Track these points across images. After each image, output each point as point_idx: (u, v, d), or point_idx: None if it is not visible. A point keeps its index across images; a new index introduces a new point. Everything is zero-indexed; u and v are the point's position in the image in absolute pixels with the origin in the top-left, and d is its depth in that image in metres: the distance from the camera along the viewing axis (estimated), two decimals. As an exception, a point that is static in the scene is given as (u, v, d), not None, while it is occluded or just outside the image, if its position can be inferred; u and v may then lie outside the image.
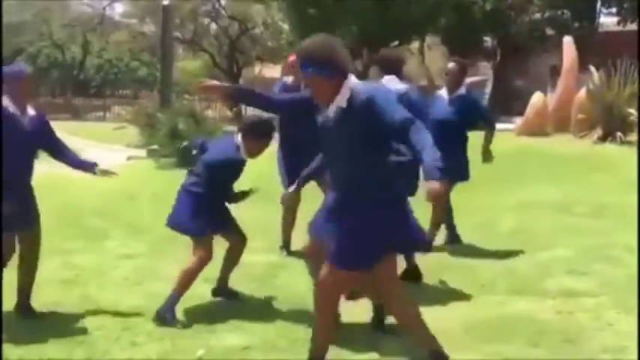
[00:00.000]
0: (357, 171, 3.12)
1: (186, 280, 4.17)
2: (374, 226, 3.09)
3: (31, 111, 4.11)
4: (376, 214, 3.09)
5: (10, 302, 4.06)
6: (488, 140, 5.67)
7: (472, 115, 5.59)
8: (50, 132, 4.26)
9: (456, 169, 5.52)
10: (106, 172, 4.30)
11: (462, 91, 5.59)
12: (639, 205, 6.26)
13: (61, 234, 5.52)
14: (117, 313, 4.23)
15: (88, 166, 4.32)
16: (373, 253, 3.13)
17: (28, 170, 4.15)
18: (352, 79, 3.13)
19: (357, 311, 4.06)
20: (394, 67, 4.74)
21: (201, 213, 4.20)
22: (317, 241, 3.37)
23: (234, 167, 4.32)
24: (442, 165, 5.26)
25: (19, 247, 4.15)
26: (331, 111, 3.13)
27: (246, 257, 4.55)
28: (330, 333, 3.30)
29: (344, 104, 3.08)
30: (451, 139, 5.33)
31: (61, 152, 4.30)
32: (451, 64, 5.68)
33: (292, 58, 5.31)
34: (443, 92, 5.66)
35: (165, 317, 4.05)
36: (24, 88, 4.04)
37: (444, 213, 5.79)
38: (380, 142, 3.09)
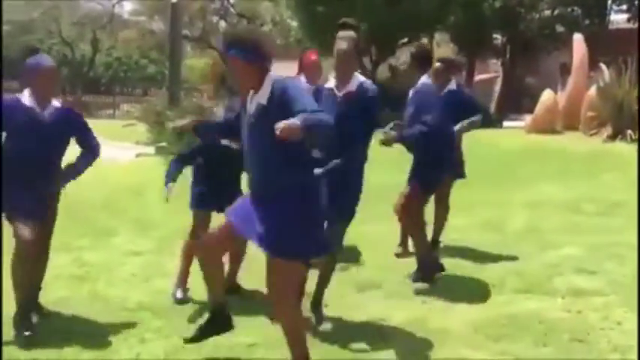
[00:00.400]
0: (276, 169, 3.04)
1: (187, 251, 4.49)
2: (299, 218, 3.04)
3: (55, 104, 4.02)
4: (297, 208, 3.03)
5: (11, 302, 4.06)
6: (469, 127, 5.43)
7: (463, 110, 5.36)
8: (77, 128, 4.11)
9: (450, 167, 5.45)
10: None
11: (452, 86, 5.50)
12: (639, 205, 6.22)
13: (70, 231, 5.54)
14: (125, 310, 4.24)
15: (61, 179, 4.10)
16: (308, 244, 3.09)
17: (51, 164, 4.02)
18: (273, 74, 3.10)
19: (356, 311, 4.05)
20: (428, 66, 4.82)
21: (193, 188, 4.53)
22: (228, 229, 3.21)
23: (225, 152, 4.38)
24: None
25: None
26: (252, 107, 3.10)
27: (250, 252, 4.54)
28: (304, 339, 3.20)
29: (265, 101, 3.05)
30: None
31: (82, 154, 4.16)
32: (437, 64, 5.59)
33: (313, 57, 5.24)
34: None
35: (174, 294, 4.45)
36: (43, 81, 3.95)
37: (447, 213, 5.74)
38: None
